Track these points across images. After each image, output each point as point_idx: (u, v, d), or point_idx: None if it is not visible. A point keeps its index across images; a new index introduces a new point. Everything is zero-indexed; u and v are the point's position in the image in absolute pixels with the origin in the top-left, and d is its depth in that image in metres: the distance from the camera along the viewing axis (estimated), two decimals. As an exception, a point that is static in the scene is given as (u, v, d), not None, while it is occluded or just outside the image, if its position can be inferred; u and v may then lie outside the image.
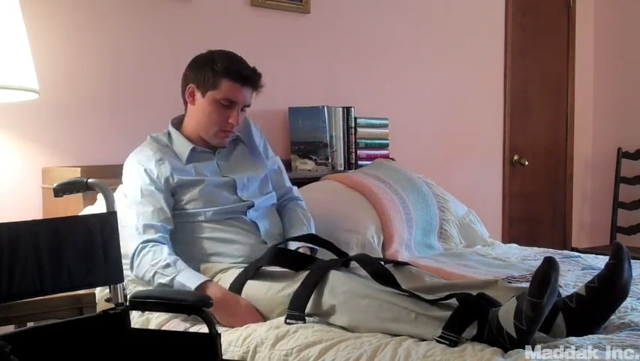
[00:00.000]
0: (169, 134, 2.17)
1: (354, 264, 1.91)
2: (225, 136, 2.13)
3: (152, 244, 1.95)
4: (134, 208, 2.01)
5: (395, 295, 1.66)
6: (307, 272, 1.82)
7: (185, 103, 2.15)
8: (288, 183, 2.37)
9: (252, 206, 2.14)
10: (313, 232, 2.23)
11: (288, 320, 1.71)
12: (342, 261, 1.90)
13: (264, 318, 1.84)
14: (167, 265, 1.90)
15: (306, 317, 1.72)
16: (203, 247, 2.06)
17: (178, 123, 2.19)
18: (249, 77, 2.07)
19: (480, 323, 1.50)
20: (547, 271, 1.43)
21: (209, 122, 2.10)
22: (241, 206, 2.12)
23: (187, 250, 2.06)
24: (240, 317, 1.82)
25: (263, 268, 1.92)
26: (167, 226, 2.02)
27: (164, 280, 1.89)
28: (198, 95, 2.10)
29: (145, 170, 2.05)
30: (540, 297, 1.41)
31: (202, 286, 1.87)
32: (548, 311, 1.53)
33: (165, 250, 1.94)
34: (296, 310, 1.72)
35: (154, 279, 1.90)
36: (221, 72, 2.05)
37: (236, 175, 2.15)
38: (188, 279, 1.88)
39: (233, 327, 1.79)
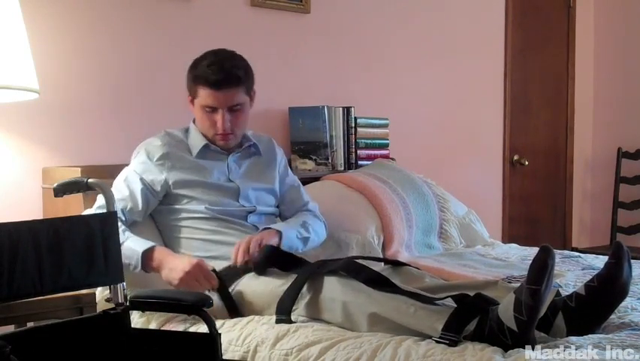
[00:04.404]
0: (187, 130, 2.21)
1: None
2: (224, 138, 2.14)
3: None
4: (114, 185, 2.06)
5: (394, 293, 1.66)
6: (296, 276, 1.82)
7: None
8: (307, 198, 2.35)
9: (253, 211, 2.15)
10: (310, 235, 2.19)
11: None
12: (329, 269, 1.79)
13: (261, 312, 1.84)
14: None
15: (294, 318, 1.74)
16: (203, 248, 2.07)
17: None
18: (218, 81, 2.05)
19: (480, 322, 1.50)
20: (544, 258, 1.43)
21: (204, 127, 2.15)
22: (242, 211, 2.14)
23: (184, 251, 2.08)
24: (181, 269, 1.86)
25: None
26: (129, 216, 2.06)
27: None
28: (192, 102, 2.14)
29: (145, 159, 2.10)
30: (539, 284, 1.41)
31: (150, 250, 1.93)
32: (548, 310, 1.54)
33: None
34: (282, 315, 1.74)
35: None
36: (194, 80, 2.09)
37: (242, 183, 2.16)
38: (137, 244, 1.94)
39: (175, 282, 1.86)
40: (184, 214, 2.10)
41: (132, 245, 1.94)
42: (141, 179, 2.08)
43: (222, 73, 2.05)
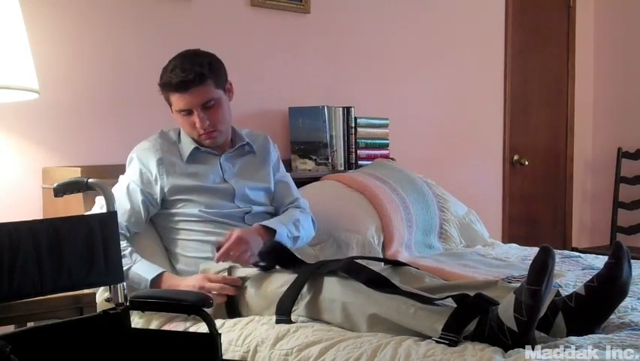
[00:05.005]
0: (180, 132, 2.21)
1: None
2: (209, 137, 2.14)
3: None
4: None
5: (394, 294, 1.66)
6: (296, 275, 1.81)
7: None
8: (297, 194, 2.35)
9: (249, 212, 2.15)
10: (300, 233, 2.19)
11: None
12: (329, 270, 1.78)
13: (261, 313, 1.83)
14: (123, 256, 1.90)
15: (294, 319, 1.74)
16: (199, 249, 2.08)
17: None
18: (181, 83, 2.04)
19: (480, 322, 1.50)
20: (545, 259, 1.43)
21: (187, 131, 2.16)
22: (239, 212, 2.14)
23: (183, 252, 2.09)
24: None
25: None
26: (133, 228, 2.07)
27: None
28: (172, 110, 2.15)
29: (141, 167, 2.10)
30: (539, 284, 1.41)
31: (158, 278, 1.93)
32: (548, 310, 1.54)
33: (123, 242, 1.96)
34: (282, 315, 1.74)
35: None
36: (164, 88, 2.10)
37: (236, 183, 2.17)
38: (145, 270, 1.93)
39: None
40: (180, 217, 2.11)
41: (140, 271, 1.94)
42: (141, 190, 2.08)
43: (184, 74, 2.04)
